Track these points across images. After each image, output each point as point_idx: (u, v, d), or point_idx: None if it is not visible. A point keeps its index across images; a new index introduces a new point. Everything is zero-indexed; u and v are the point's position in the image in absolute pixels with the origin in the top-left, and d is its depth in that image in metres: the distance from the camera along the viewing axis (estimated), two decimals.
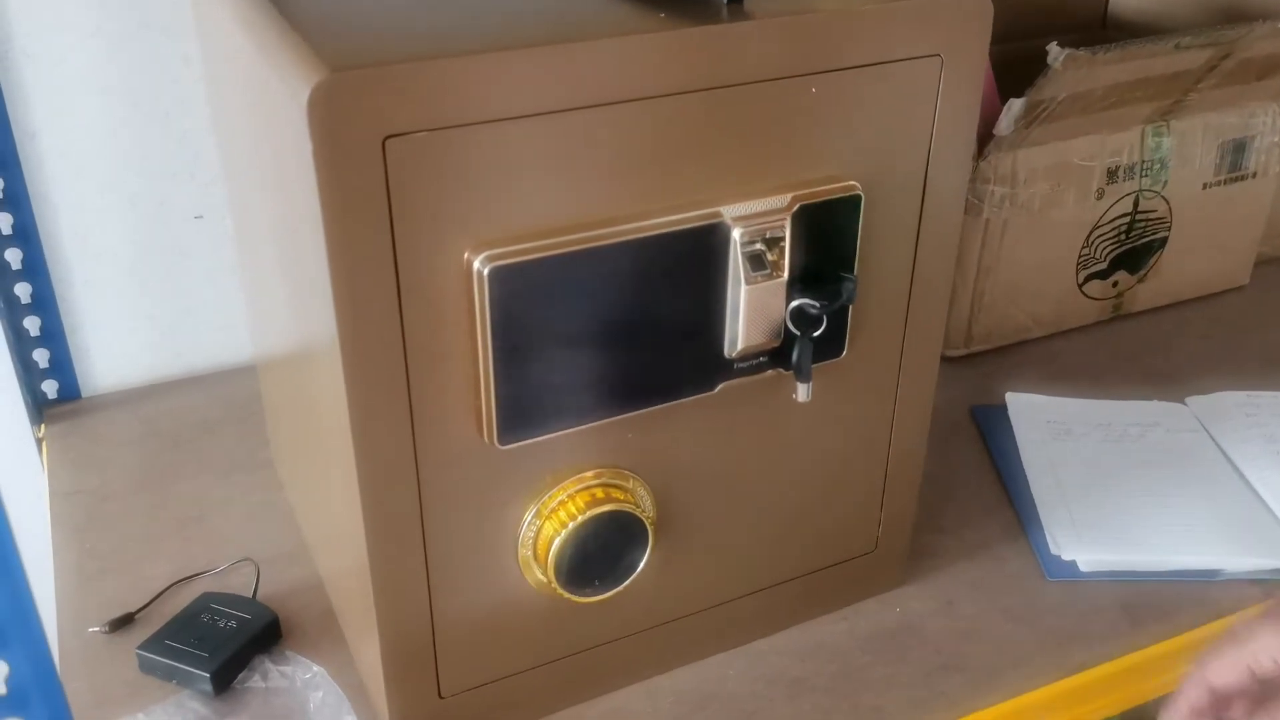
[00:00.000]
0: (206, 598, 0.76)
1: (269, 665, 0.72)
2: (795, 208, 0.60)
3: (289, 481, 0.88)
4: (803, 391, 0.65)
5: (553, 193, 0.56)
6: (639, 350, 0.61)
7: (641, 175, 0.57)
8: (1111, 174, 1.03)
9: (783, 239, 0.60)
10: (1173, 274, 1.12)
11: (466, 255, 0.55)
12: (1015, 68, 0.93)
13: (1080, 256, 1.06)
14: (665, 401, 0.63)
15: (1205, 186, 1.09)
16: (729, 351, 0.62)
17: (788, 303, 0.62)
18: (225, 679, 0.71)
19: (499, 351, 0.56)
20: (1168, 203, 1.07)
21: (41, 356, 0.98)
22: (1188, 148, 1.05)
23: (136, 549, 0.83)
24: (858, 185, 0.62)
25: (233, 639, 0.72)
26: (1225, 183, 1.09)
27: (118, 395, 1.02)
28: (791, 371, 0.64)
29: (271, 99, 0.56)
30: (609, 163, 0.56)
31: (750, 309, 0.61)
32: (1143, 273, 1.11)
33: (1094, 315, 1.11)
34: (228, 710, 0.70)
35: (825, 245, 0.62)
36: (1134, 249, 1.08)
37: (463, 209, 0.54)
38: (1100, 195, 1.03)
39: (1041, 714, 0.74)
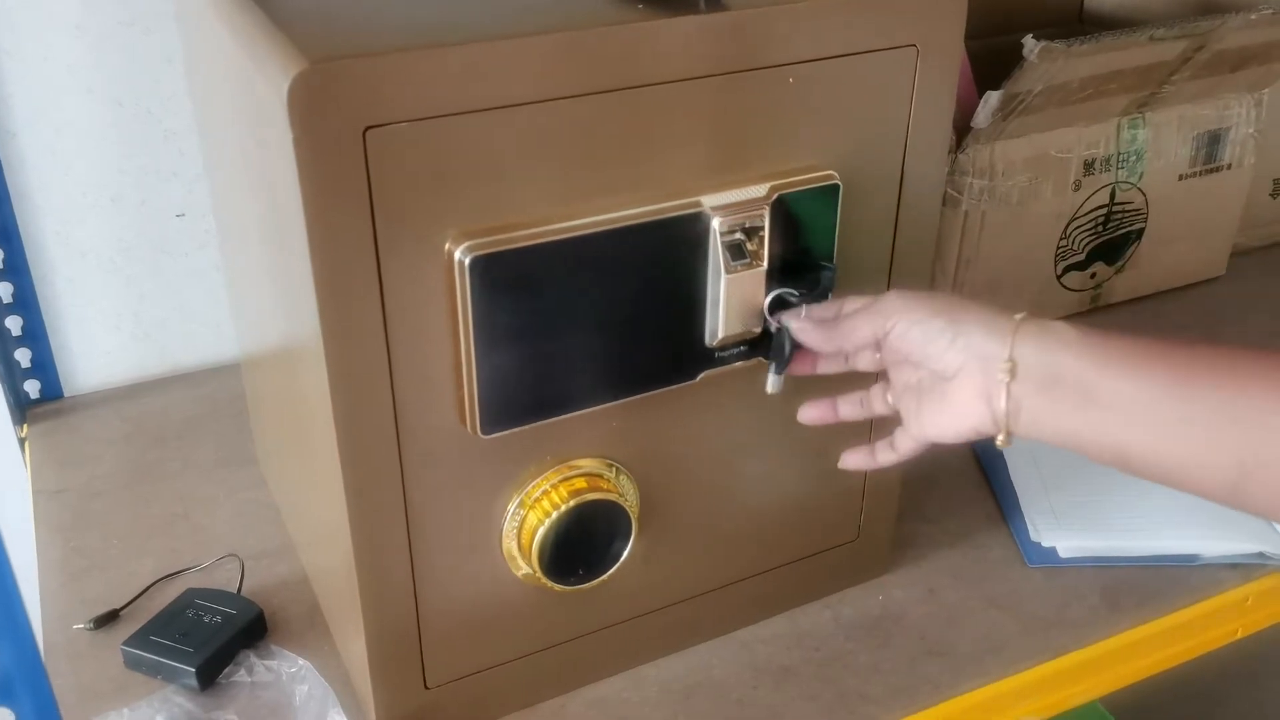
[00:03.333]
0: (191, 593, 0.76)
1: (254, 660, 0.72)
2: (774, 197, 0.61)
3: (274, 478, 0.88)
4: (772, 383, 0.64)
5: (533, 183, 0.56)
6: (620, 340, 0.61)
7: (622, 165, 0.58)
8: (1088, 166, 1.04)
9: (762, 228, 0.61)
10: (1150, 265, 1.13)
11: (448, 245, 0.55)
12: (993, 63, 0.94)
13: (1058, 248, 1.07)
14: (646, 391, 0.63)
15: (1181, 178, 1.10)
16: (710, 341, 0.63)
17: (767, 292, 0.62)
18: (210, 674, 0.71)
19: (481, 341, 0.57)
20: (1144, 194, 1.08)
21: (23, 356, 0.98)
22: (1163, 140, 1.06)
23: (121, 546, 0.83)
24: (836, 175, 0.62)
25: (218, 634, 0.73)
26: (1201, 174, 1.11)
27: (101, 394, 1.01)
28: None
29: (252, 92, 0.57)
30: (589, 153, 0.57)
31: (730, 298, 0.61)
32: (1120, 264, 1.12)
33: (1073, 306, 1.12)
34: (214, 705, 0.70)
35: (804, 234, 0.63)
36: (1111, 240, 1.09)
37: (444, 199, 0.54)
38: (1077, 187, 1.04)
39: (1023, 698, 0.75)
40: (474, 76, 0.53)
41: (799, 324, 0.62)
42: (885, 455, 0.64)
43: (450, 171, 0.54)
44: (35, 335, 0.98)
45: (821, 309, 0.62)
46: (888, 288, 0.69)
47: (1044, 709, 0.77)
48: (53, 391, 1.00)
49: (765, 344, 0.64)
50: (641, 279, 0.60)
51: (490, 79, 0.53)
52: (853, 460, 0.66)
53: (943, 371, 0.57)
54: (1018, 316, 0.55)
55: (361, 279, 0.54)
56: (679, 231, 0.59)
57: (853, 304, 0.61)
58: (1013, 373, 0.54)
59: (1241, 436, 0.49)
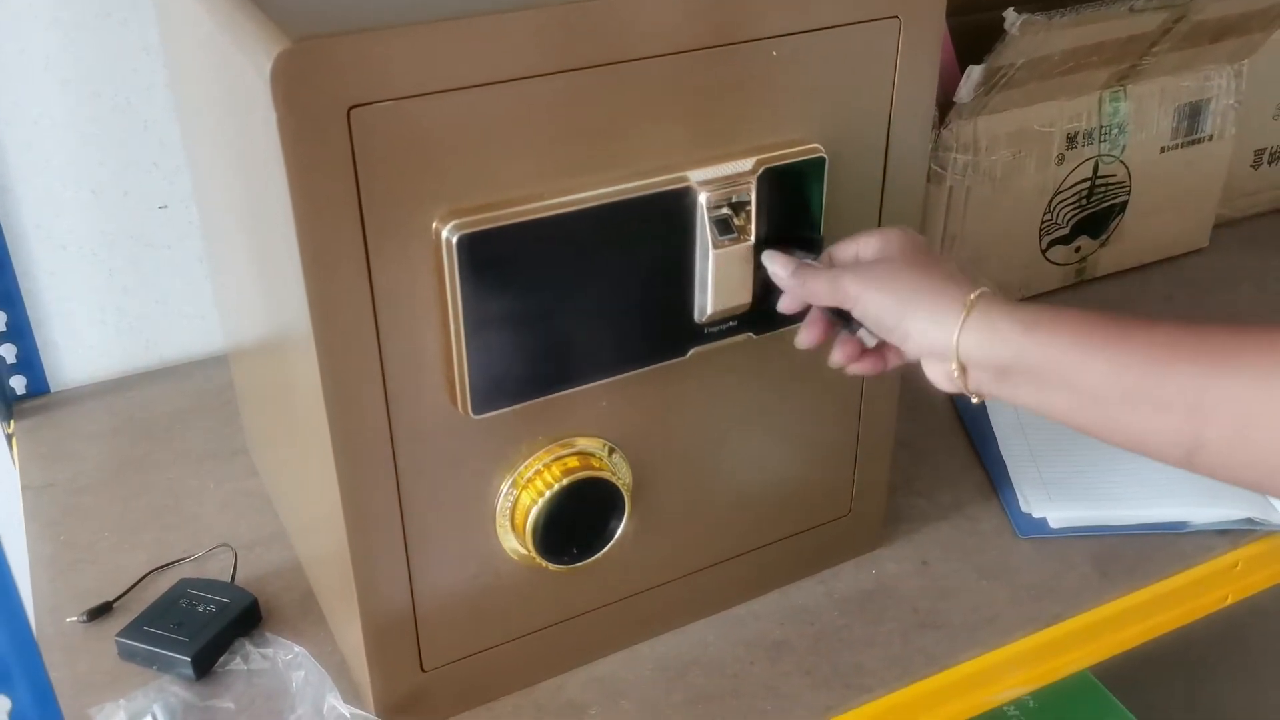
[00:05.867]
0: (185, 583, 0.76)
1: (250, 648, 0.72)
2: (760, 171, 0.61)
3: (265, 467, 0.88)
4: (803, 338, 0.63)
5: (520, 160, 0.56)
6: (609, 317, 0.61)
7: (608, 141, 0.58)
8: (1071, 139, 1.04)
9: (749, 202, 0.61)
10: (1134, 238, 1.14)
11: (435, 224, 0.55)
12: (974, 39, 0.94)
13: (1043, 222, 1.07)
14: (637, 368, 0.63)
15: (1163, 150, 1.10)
16: (699, 317, 0.63)
17: (756, 266, 0.62)
18: (206, 663, 0.71)
19: (470, 321, 0.57)
20: (1127, 167, 1.09)
21: (8, 352, 0.97)
22: (1145, 112, 1.07)
23: (112, 540, 0.83)
24: (821, 147, 0.62)
25: (212, 623, 0.72)
26: (1183, 146, 1.11)
27: (88, 389, 1.01)
28: (762, 334, 0.65)
29: (234, 75, 0.56)
30: (576, 129, 0.57)
31: (719, 273, 0.61)
32: (1104, 237, 1.12)
33: (1058, 280, 1.12)
34: (210, 693, 0.70)
35: (791, 208, 0.63)
36: (1095, 214, 1.10)
37: (430, 178, 0.54)
38: (1060, 161, 1.04)
39: (1016, 668, 0.75)
40: (458, 53, 0.52)
41: (776, 267, 0.62)
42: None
43: (436, 150, 0.54)
44: (20, 331, 0.97)
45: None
46: None
47: (1036, 678, 0.77)
48: (39, 387, 1.00)
49: (755, 319, 0.64)
50: (630, 256, 0.60)
51: (475, 56, 0.53)
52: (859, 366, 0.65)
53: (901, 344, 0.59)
54: (972, 295, 0.56)
55: (349, 260, 0.54)
56: (666, 207, 0.59)
57: (845, 248, 0.62)
58: (964, 370, 0.56)
59: (1186, 402, 0.51)
